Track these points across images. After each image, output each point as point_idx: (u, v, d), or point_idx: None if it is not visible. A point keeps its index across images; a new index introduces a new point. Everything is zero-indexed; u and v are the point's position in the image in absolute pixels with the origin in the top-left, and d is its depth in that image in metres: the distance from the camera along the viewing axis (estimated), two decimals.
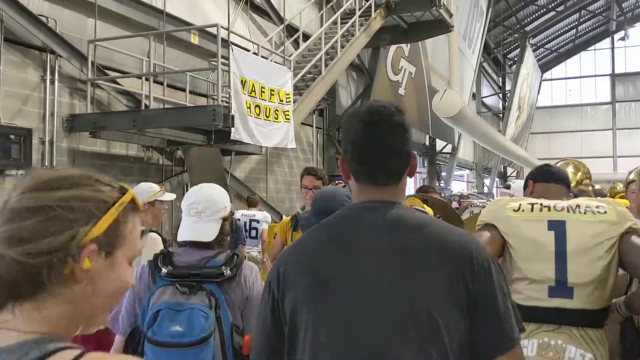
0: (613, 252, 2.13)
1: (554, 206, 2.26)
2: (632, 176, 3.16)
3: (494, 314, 1.21)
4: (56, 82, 7.25)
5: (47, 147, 7.07)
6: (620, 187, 6.27)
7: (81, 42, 7.39)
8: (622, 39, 29.79)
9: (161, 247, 3.10)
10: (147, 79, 7.52)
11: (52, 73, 7.21)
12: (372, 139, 1.29)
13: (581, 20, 30.64)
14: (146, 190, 3.35)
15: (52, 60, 7.21)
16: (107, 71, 7.82)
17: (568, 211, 2.22)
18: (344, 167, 1.36)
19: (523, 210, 2.27)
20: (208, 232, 2.14)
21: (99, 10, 7.67)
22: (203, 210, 2.15)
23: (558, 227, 2.19)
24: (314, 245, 1.30)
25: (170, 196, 3.48)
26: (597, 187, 6.39)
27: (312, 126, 12.95)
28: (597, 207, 2.22)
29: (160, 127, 7.34)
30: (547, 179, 2.47)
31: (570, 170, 9.95)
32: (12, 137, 6.42)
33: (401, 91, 16.11)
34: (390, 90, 15.38)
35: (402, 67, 15.95)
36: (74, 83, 7.56)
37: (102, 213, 0.84)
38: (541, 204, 2.28)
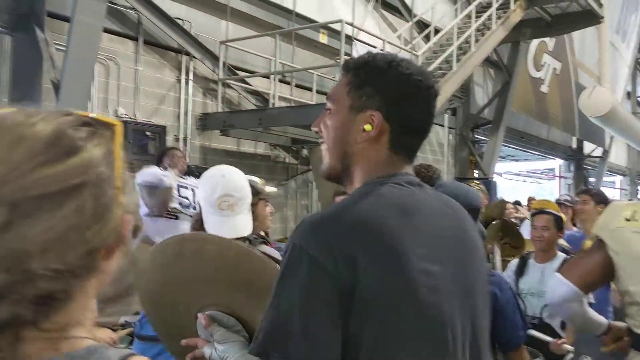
0: None
1: None
2: None
3: None
4: (190, 82, 7.59)
5: (181, 145, 7.40)
6: None
7: (214, 43, 7.67)
8: None
9: None
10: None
11: (187, 73, 7.56)
12: None
13: None
14: None
15: (187, 62, 7.54)
16: (237, 71, 8.04)
17: None
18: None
19: (636, 220, 1.77)
20: (244, 227, 1.89)
21: (231, 12, 7.91)
22: (236, 202, 1.87)
23: None
24: None
25: None
26: None
27: (443, 126, 12.44)
28: None
29: (284, 124, 7.40)
30: None
31: None
32: (148, 134, 6.78)
33: (544, 89, 15.00)
34: (530, 87, 14.37)
35: (545, 62, 14.84)
36: (206, 83, 7.88)
37: None
38: None
